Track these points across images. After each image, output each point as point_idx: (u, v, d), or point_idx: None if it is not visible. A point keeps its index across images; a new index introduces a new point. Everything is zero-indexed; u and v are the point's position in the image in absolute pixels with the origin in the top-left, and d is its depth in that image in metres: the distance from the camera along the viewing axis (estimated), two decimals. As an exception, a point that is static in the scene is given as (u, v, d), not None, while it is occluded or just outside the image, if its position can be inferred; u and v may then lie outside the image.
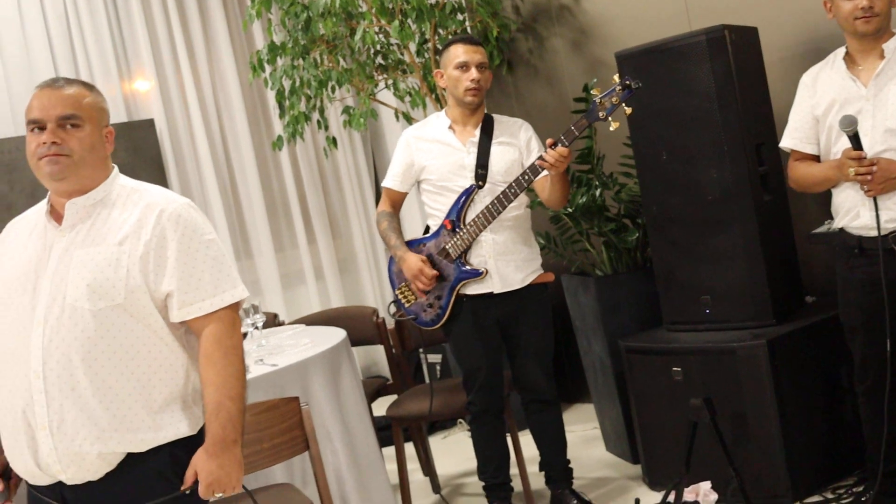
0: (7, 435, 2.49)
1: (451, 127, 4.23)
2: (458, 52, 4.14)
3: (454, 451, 5.68)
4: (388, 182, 4.33)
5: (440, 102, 5.73)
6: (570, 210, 4.87)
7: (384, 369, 7.22)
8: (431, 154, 4.22)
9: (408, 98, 5.99)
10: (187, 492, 2.49)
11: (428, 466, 4.99)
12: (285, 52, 5.87)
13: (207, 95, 6.99)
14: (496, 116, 4.28)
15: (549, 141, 3.87)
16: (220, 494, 2.50)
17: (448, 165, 4.18)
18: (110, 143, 2.60)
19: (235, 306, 2.57)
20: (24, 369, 2.42)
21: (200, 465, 2.48)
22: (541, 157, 3.88)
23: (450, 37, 5.38)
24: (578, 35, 5.68)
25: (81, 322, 2.41)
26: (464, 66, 4.11)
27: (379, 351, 7.14)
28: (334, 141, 6.31)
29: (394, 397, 5.18)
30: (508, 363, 4.33)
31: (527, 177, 4.00)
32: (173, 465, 2.51)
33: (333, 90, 5.99)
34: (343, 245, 7.48)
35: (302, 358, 3.89)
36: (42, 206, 2.61)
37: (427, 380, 6.40)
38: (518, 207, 4.18)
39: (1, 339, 2.48)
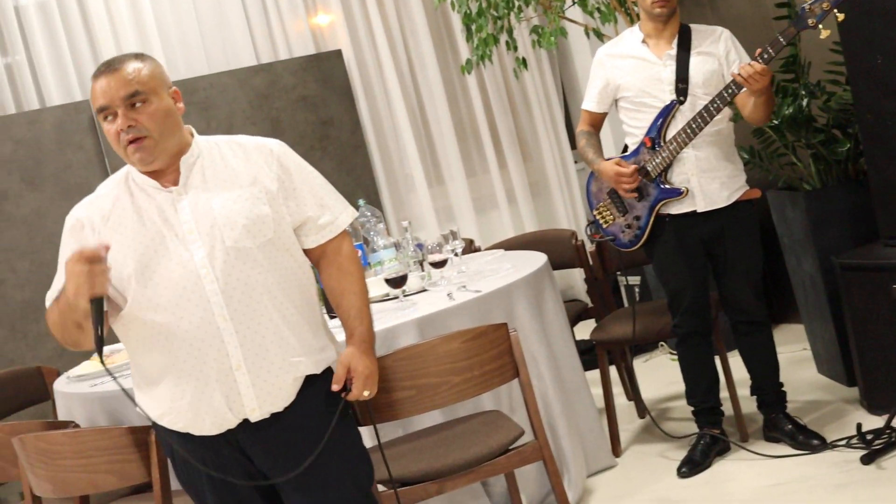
0: (188, 394, 2.52)
1: (644, 41, 4.07)
2: (646, -37, 3.96)
3: (657, 374, 5.57)
4: (586, 104, 4.22)
5: (630, 17, 5.54)
6: (775, 122, 4.65)
7: (580, 293, 7.14)
8: (626, 70, 4.08)
9: (597, 14, 5.82)
10: (343, 397, 2.64)
11: (633, 390, 4.90)
12: (470, -26, 5.78)
13: (393, 23, 6.96)
14: (693, 26, 4.08)
15: (759, 51, 3.67)
16: (368, 393, 2.66)
17: (644, 80, 4.03)
18: (179, 102, 2.61)
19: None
20: (207, 317, 2.47)
21: (355, 361, 2.63)
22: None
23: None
24: (779, -64, 5.37)
25: (250, 259, 2.51)
26: (651, -23, 3.94)
27: (574, 274, 7.08)
28: (524, 62, 6.19)
29: (591, 321, 5.13)
30: (715, 284, 4.18)
31: (731, 90, 3.82)
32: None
33: (520, 10, 5.86)
34: (534, 168, 7.38)
35: (505, 283, 3.84)
36: (119, 179, 2.62)
37: (626, 302, 6.30)
38: (721, 121, 4.00)
39: (162, 301, 2.49)
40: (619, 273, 5.23)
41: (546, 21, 5.95)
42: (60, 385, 3.98)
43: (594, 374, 4.58)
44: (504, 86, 7.20)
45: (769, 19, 5.08)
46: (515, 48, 6.15)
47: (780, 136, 4.77)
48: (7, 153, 5.85)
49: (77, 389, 3.76)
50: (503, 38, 6.13)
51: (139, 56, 2.57)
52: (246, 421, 2.54)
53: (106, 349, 4.17)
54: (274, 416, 2.56)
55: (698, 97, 3.94)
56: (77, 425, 3.32)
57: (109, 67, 2.51)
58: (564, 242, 5.10)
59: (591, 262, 4.91)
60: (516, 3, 5.76)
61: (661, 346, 5.95)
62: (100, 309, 2.41)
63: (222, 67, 6.56)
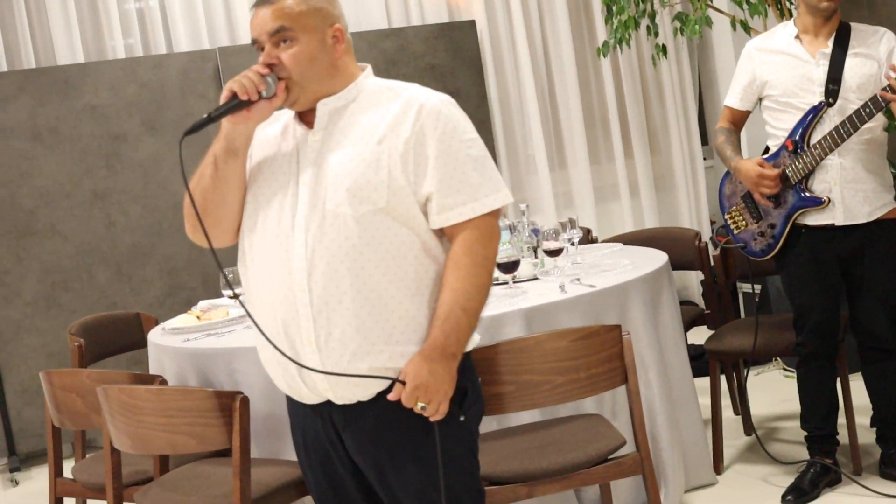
0: (269, 349, 2.32)
1: (798, 37, 3.80)
2: (816, -48, 3.69)
3: (768, 389, 5.29)
4: (729, 100, 3.98)
5: (782, 11, 5.24)
6: (927, 136, 4.34)
7: (693, 295, 6.90)
8: (774, 66, 3.82)
9: (746, 5, 5.53)
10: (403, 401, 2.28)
11: (742, 405, 4.64)
12: (616, -48, 5.56)
13: (531, -4, 6.79)
14: (854, 25, 3.79)
15: None
16: (423, 405, 2.24)
17: (793, 79, 3.76)
18: (341, 43, 2.36)
19: (496, 213, 2.34)
20: (288, 282, 2.25)
21: (409, 367, 2.25)
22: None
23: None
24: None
25: (345, 229, 2.23)
26: (822, -31, 3.66)
27: (690, 276, 6.84)
28: (664, 49, 5.95)
29: (703, 328, 4.91)
30: (847, 304, 3.90)
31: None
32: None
33: (666, -5, 5.63)
34: (661, 161, 7.13)
35: (621, 281, 3.63)
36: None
37: (742, 311, 6.03)
38: (873, 129, 3.71)
39: (262, 246, 2.32)
40: (739, 280, 4.97)
41: (690, 8, 5.70)
42: (154, 336, 3.91)
43: (700, 382, 4.34)
44: (639, 73, 6.96)
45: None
46: (656, 34, 5.91)
47: (932, 152, 4.47)
48: (130, 95, 5.82)
49: (169, 343, 3.68)
50: (644, 22, 5.89)
51: None
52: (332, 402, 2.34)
53: (204, 303, 4.11)
54: (361, 404, 2.32)
55: (850, 101, 3.66)
56: (164, 381, 3.22)
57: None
58: (687, 243, 4.86)
59: (713, 266, 4.67)
60: (662, -13, 5.53)
61: (776, 359, 5.66)
62: (231, 108, 2.26)
63: (352, 28, 6.42)
